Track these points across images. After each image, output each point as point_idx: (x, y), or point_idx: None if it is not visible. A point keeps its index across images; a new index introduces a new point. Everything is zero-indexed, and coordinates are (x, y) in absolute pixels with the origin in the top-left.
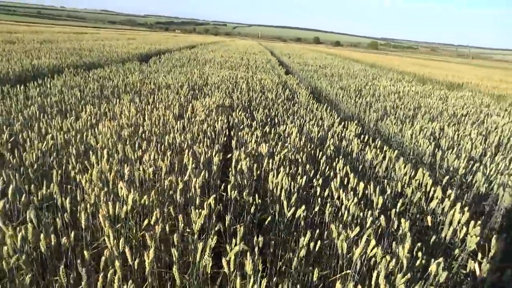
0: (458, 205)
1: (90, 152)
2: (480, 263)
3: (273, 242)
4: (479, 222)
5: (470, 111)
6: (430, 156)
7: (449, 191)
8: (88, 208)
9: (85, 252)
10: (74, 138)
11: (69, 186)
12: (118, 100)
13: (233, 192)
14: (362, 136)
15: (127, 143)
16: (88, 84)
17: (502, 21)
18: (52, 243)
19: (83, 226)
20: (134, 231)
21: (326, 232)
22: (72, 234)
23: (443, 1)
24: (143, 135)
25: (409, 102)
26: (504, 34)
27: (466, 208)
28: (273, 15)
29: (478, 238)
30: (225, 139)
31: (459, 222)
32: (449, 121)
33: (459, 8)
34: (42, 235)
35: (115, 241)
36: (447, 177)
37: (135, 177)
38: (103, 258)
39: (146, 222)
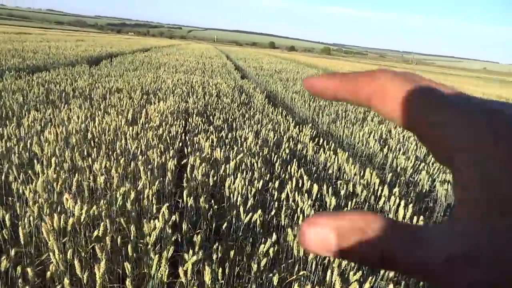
0: (403, 202)
1: (35, 161)
2: None
3: (231, 248)
4: (421, 218)
5: None
6: (379, 157)
7: (395, 188)
8: (32, 222)
9: (28, 269)
10: (17, 145)
11: (10, 198)
12: (65, 105)
13: (189, 199)
14: (317, 139)
15: (75, 150)
16: (32, 88)
17: (443, 29)
18: None
19: (22, 242)
20: (83, 244)
21: (282, 236)
22: (13, 251)
23: (390, 9)
24: (93, 142)
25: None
26: (445, 42)
27: (410, 205)
28: (229, 20)
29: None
30: (180, 144)
31: (404, 218)
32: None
33: (401, 16)
34: None
35: (61, 255)
36: (390, 175)
37: (83, 186)
38: (48, 273)
39: (95, 233)
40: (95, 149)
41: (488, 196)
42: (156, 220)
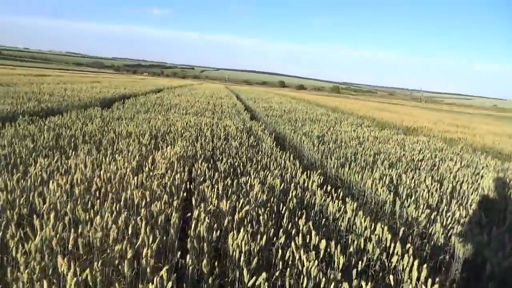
0: (416, 261)
1: (34, 216)
2: None
3: None
4: (437, 279)
5: (426, 156)
6: (390, 206)
7: (408, 244)
8: None
9: None
10: (19, 198)
11: (5, 258)
12: (73, 152)
13: (190, 261)
14: (325, 185)
15: (78, 202)
16: (42, 133)
17: (452, 68)
18: None
19: None
20: None
21: None
22: None
23: (399, 49)
24: (97, 193)
25: (369, 148)
26: (454, 80)
27: (425, 266)
28: (240, 60)
29: None
30: (185, 194)
31: (418, 280)
32: (407, 167)
33: (412, 56)
34: None
35: None
36: (403, 229)
37: (79, 245)
38: None
39: None
40: (98, 201)
41: None
42: (152, 285)
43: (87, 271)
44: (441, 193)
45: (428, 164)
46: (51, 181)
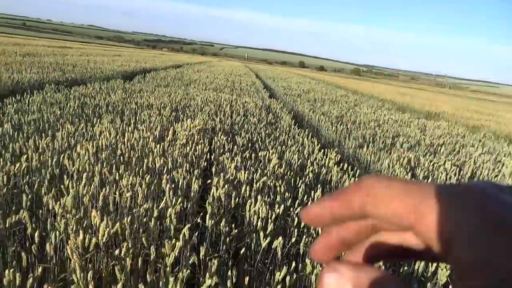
0: None
1: (64, 176)
2: None
3: (248, 274)
4: None
5: (446, 141)
6: None
7: None
8: (57, 237)
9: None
10: (50, 159)
11: (40, 211)
12: (98, 120)
13: (210, 222)
14: (342, 163)
15: (104, 166)
16: (68, 102)
17: (478, 53)
18: (17, 281)
19: (49, 259)
20: (104, 262)
21: (300, 265)
22: (40, 269)
23: (423, 30)
24: (121, 158)
25: (388, 131)
26: (480, 66)
27: None
28: (259, 38)
29: (449, 271)
30: (205, 163)
31: None
32: (426, 150)
33: (435, 38)
34: (7, 272)
35: (82, 274)
36: None
37: (109, 202)
38: None
39: (117, 252)
40: (123, 166)
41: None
42: (176, 240)
43: (118, 224)
44: (459, 178)
45: (448, 149)
46: (78, 146)
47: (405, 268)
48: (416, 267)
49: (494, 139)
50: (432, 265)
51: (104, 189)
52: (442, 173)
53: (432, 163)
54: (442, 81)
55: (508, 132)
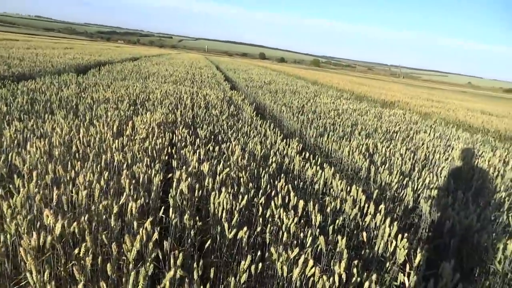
0: (388, 219)
1: (15, 175)
2: (408, 274)
3: (214, 265)
4: (406, 234)
5: (401, 128)
6: (365, 172)
7: (381, 205)
8: (9, 240)
9: None
10: None
11: None
12: (50, 116)
13: (173, 215)
14: (304, 152)
15: (58, 163)
16: (16, 97)
17: (429, 44)
18: None
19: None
20: (62, 262)
21: (267, 254)
22: None
23: (378, 23)
24: (77, 154)
25: (347, 119)
26: (431, 57)
27: (395, 223)
28: (220, 30)
29: (407, 250)
30: (166, 157)
31: (389, 236)
32: (382, 137)
33: (389, 30)
34: None
35: (38, 276)
36: (377, 191)
37: (64, 201)
38: None
39: (76, 251)
40: (79, 162)
41: None
42: (138, 236)
43: (75, 224)
44: (414, 162)
45: (402, 135)
46: (28, 143)
47: (367, 250)
48: (376, 249)
49: (444, 124)
50: (391, 245)
51: (58, 189)
52: (398, 158)
53: (388, 149)
54: (396, 71)
55: (455, 118)
